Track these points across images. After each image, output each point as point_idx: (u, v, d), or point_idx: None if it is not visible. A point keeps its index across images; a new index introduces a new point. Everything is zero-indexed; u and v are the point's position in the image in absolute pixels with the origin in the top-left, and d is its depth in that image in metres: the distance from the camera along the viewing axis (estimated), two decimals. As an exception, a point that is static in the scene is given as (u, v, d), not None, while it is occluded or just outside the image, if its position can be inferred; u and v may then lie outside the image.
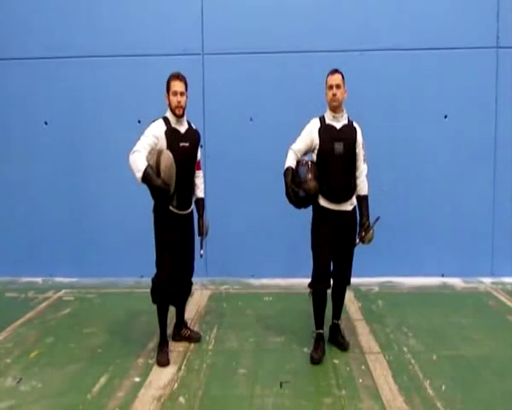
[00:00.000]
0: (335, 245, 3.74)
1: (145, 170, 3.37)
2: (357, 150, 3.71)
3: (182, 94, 3.62)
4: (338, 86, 3.60)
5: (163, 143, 3.58)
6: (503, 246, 5.70)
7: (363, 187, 3.79)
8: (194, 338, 4.08)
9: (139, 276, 5.74)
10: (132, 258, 5.74)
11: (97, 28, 5.70)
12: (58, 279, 5.85)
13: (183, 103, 3.64)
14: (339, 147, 3.63)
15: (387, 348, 3.92)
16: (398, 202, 5.66)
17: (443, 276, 5.73)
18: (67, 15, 5.71)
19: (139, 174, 3.39)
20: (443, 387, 3.33)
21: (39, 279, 5.85)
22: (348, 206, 3.72)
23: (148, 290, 3.81)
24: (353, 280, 3.99)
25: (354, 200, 3.76)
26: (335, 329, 4.01)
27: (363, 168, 3.77)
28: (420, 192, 5.69)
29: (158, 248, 3.73)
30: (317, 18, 5.58)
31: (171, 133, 3.61)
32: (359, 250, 3.83)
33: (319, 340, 3.79)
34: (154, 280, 3.76)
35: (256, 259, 5.78)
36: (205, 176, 4.29)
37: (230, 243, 5.69)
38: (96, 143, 5.78)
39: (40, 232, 5.89)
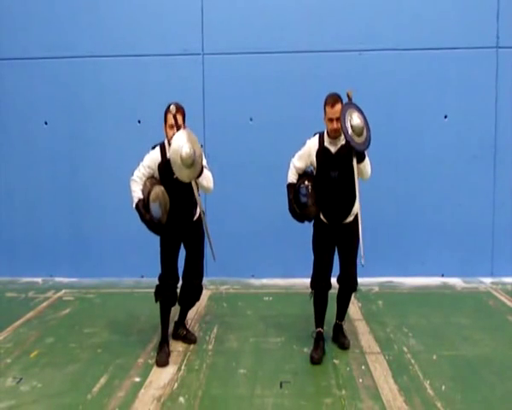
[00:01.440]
0: (339, 249, 3.77)
1: (136, 204, 3.61)
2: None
3: (178, 128, 3.58)
4: (338, 119, 3.52)
5: (157, 175, 3.66)
6: (503, 246, 5.69)
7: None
8: (189, 339, 4.08)
9: (139, 276, 5.74)
10: (132, 258, 5.75)
11: (97, 28, 5.69)
12: (58, 279, 5.85)
13: None
14: (334, 174, 3.62)
15: (387, 348, 3.92)
16: (398, 202, 5.65)
17: (443, 276, 5.73)
18: (67, 15, 5.70)
19: (133, 205, 3.64)
20: (443, 387, 3.32)
21: (39, 279, 5.85)
22: (348, 218, 3.71)
23: (149, 290, 3.84)
24: (353, 280, 3.99)
25: (355, 209, 3.69)
26: (338, 329, 4.02)
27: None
28: (420, 192, 5.68)
29: (161, 249, 3.80)
30: (316, 18, 5.57)
31: (165, 166, 3.61)
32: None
33: (319, 340, 3.79)
34: (158, 278, 3.82)
35: (256, 259, 5.78)
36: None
37: (230, 243, 5.67)
38: (96, 142, 5.78)
39: (40, 232, 5.89)
